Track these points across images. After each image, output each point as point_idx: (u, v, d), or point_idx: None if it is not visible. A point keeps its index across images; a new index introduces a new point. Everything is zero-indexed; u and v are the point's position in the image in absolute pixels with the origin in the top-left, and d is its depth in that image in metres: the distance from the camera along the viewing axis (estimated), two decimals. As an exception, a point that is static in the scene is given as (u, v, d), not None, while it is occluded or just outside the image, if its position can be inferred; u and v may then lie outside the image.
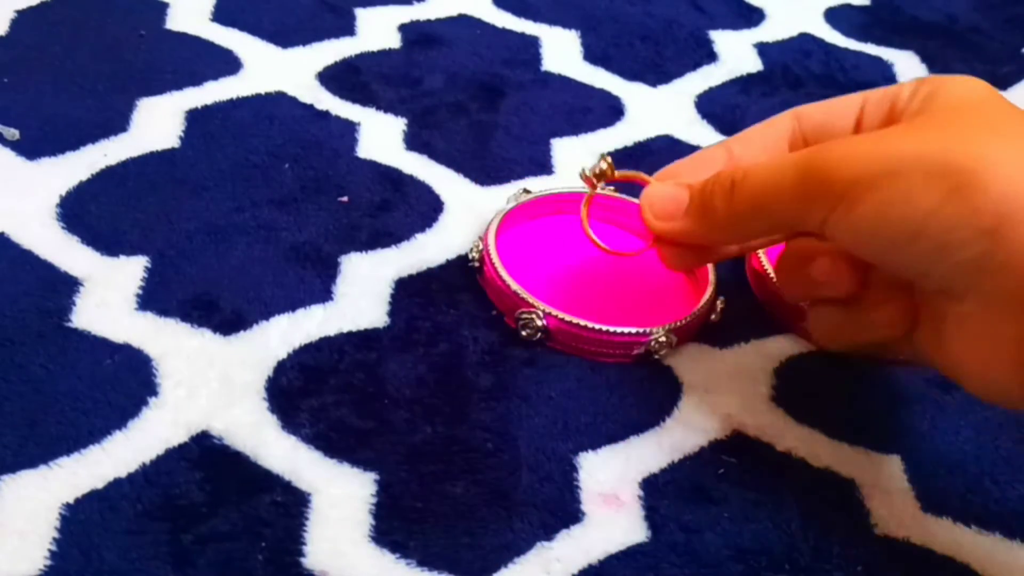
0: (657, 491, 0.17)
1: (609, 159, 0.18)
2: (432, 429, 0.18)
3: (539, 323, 0.19)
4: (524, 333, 0.19)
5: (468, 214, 0.23)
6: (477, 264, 0.21)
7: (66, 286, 0.20)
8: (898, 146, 0.14)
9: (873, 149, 0.14)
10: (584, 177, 0.18)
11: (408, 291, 0.21)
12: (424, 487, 0.17)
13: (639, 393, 0.19)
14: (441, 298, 0.21)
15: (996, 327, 0.14)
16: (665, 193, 0.17)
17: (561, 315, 0.19)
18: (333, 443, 0.17)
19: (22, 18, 0.27)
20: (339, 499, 0.17)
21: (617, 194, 0.22)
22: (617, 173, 0.18)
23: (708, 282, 0.20)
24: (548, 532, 0.17)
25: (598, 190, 0.19)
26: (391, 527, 0.16)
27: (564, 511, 0.17)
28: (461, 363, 0.19)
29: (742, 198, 0.16)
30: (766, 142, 0.18)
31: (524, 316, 0.19)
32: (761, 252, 0.21)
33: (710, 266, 0.21)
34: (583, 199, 0.19)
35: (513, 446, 0.18)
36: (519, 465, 0.18)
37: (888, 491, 0.18)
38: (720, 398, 0.19)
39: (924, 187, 0.14)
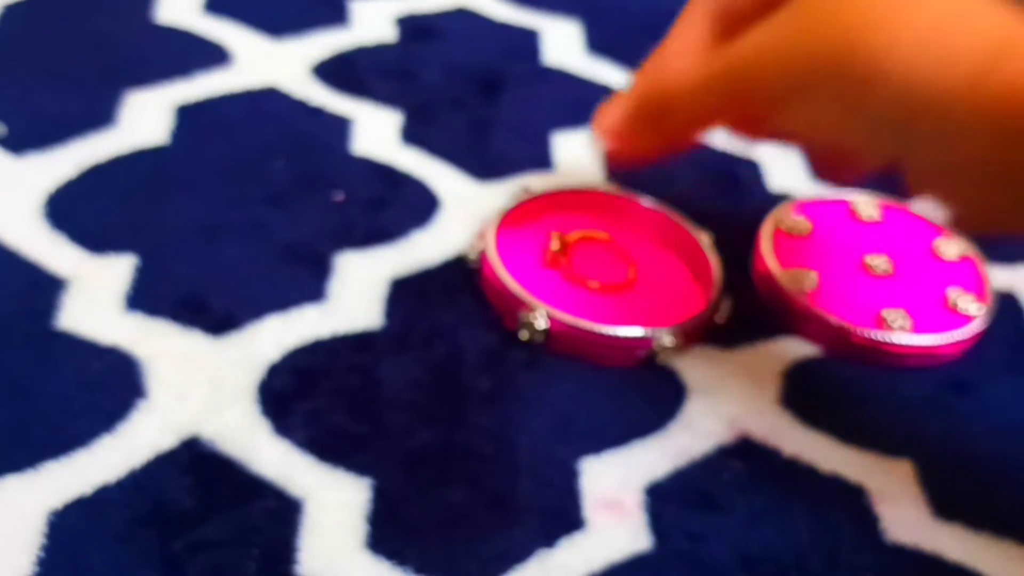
0: (661, 498, 0.17)
1: (557, 237, 0.19)
2: (429, 434, 0.18)
3: (540, 325, 0.19)
4: (524, 335, 0.19)
5: (466, 212, 0.22)
6: (475, 264, 0.20)
7: (52, 286, 0.19)
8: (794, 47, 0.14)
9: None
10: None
11: (404, 291, 0.20)
12: (421, 493, 0.17)
13: (642, 397, 0.19)
14: (438, 299, 0.20)
15: None
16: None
17: (562, 317, 0.19)
18: (327, 448, 0.17)
19: (9, 12, 0.26)
20: (333, 505, 0.16)
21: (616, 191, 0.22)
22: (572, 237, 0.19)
23: (713, 283, 0.20)
24: (549, 540, 0.16)
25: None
26: (387, 534, 0.16)
27: (565, 518, 0.17)
28: (459, 366, 0.19)
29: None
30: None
31: (524, 317, 0.19)
32: (767, 252, 0.21)
33: (715, 267, 0.20)
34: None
35: (512, 451, 0.17)
36: (519, 471, 0.17)
37: (898, 496, 0.18)
38: (726, 402, 0.19)
39: (827, 92, 0.14)
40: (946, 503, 0.18)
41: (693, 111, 0.17)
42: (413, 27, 0.28)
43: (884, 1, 0.14)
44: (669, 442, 0.18)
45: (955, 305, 0.20)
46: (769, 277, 0.20)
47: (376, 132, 0.24)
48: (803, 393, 0.19)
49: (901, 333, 0.19)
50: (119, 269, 0.20)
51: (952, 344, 0.20)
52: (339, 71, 0.26)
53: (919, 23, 0.14)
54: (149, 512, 0.16)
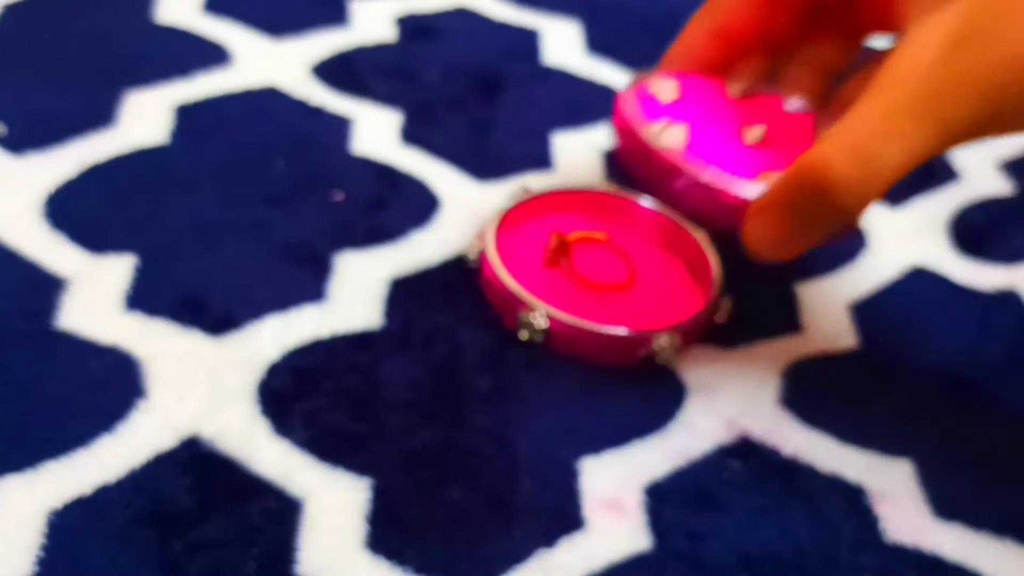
0: (661, 497, 0.17)
1: (557, 237, 0.18)
2: (429, 433, 0.18)
3: (539, 325, 0.19)
4: (523, 335, 0.19)
5: (466, 211, 0.22)
6: (475, 264, 0.20)
7: (52, 286, 0.19)
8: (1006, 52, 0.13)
9: (1011, 61, 0.13)
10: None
11: (404, 291, 0.20)
12: (421, 493, 0.17)
13: (642, 397, 0.19)
14: (438, 299, 0.20)
15: None
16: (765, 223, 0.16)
17: (562, 316, 0.19)
18: (327, 448, 0.17)
19: (9, 12, 0.26)
20: (333, 505, 0.16)
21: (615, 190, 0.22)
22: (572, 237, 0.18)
23: (713, 283, 0.20)
24: (549, 539, 0.16)
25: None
26: (387, 534, 0.16)
27: (565, 518, 0.17)
28: (459, 366, 0.19)
29: (880, 174, 0.14)
30: (737, 5, 0.17)
31: (523, 317, 0.19)
32: (631, 106, 0.18)
33: (714, 267, 0.20)
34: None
35: (512, 451, 0.17)
36: (519, 470, 0.17)
37: (898, 496, 0.18)
38: (725, 402, 0.19)
39: None
40: (946, 503, 0.18)
41: (876, 190, 0.15)
42: (413, 27, 0.28)
43: None
44: (669, 442, 0.18)
45: None
46: (632, 132, 0.18)
47: (376, 132, 0.24)
48: (804, 392, 0.19)
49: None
50: (119, 269, 0.20)
51: None
52: (339, 71, 0.26)
53: None
54: (149, 512, 0.16)
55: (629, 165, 0.18)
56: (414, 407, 0.18)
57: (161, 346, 0.18)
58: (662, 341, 0.19)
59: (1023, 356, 0.21)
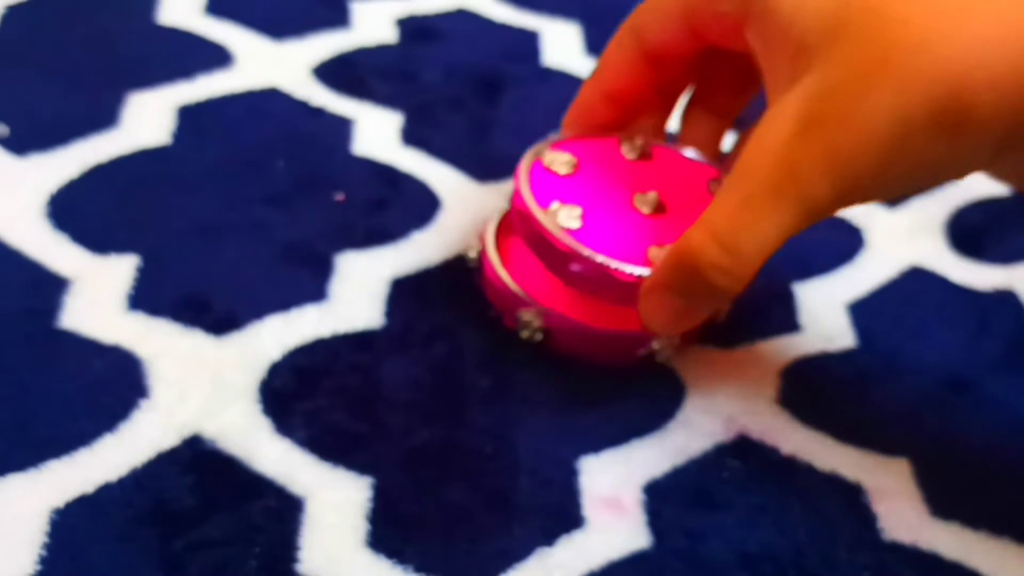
0: (660, 496, 0.17)
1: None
2: (429, 432, 0.18)
3: (538, 324, 0.19)
4: (523, 334, 0.19)
5: (467, 212, 0.22)
6: (475, 264, 0.20)
7: (54, 285, 0.19)
8: (877, 123, 0.14)
9: (856, 137, 0.14)
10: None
11: (405, 291, 0.20)
12: (421, 492, 0.17)
13: (641, 396, 0.19)
14: (439, 298, 0.20)
15: None
16: (659, 305, 0.17)
17: (562, 315, 0.19)
18: (328, 447, 0.17)
19: (11, 13, 0.26)
20: (334, 504, 0.16)
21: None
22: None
23: None
24: (548, 538, 0.16)
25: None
26: (387, 533, 0.16)
27: (565, 516, 0.17)
28: (459, 365, 0.19)
29: (747, 257, 0.15)
30: (625, 68, 0.18)
31: (523, 317, 0.19)
32: (525, 188, 0.18)
33: None
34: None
35: (512, 450, 0.18)
36: (519, 469, 0.17)
37: (896, 495, 0.18)
38: (724, 400, 0.19)
39: (927, 147, 0.14)
40: (943, 501, 0.18)
41: (747, 271, 0.15)
42: (413, 28, 0.28)
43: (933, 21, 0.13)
44: (668, 441, 0.18)
45: None
46: (528, 216, 0.18)
47: (377, 132, 0.24)
48: (802, 391, 0.19)
49: None
50: (121, 269, 0.20)
51: None
52: (340, 72, 0.26)
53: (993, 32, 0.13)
54: (150, 510, 0.16)
55: (528, 246, 0.18)
56: (414, 406, 0.18)
57: (163, 346, 0.18)
58: (661, 341, 0.19)
59: (1020, 355, 0.21)
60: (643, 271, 0.17)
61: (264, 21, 0.27)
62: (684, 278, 0.16)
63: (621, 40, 0.18)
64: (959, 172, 0.15)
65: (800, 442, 0.18)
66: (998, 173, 0.16)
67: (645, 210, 0.19)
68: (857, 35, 0.14)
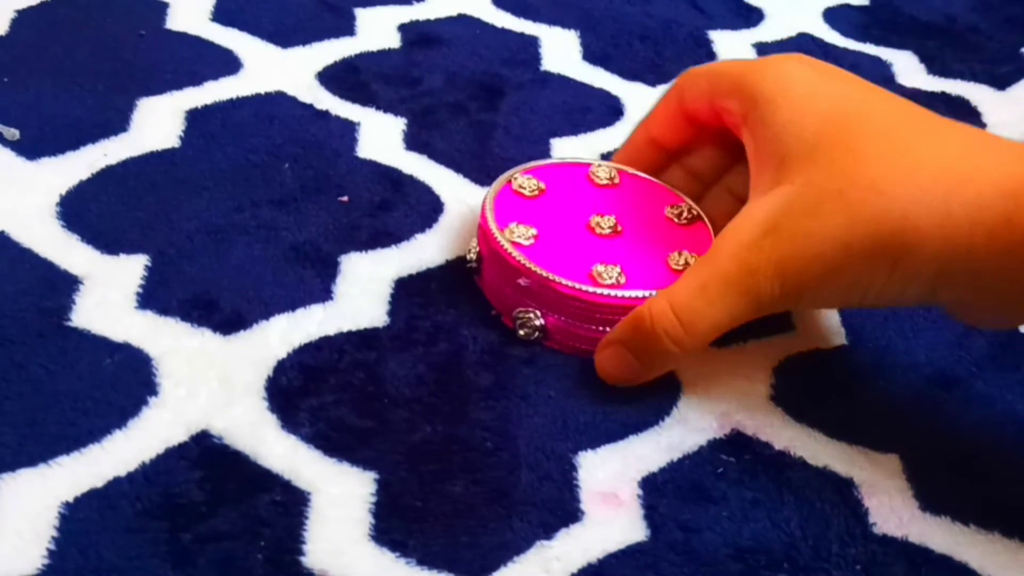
0: (656, 490, 0.17)
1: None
2: (432, 428, 0.18)
3: (537, 322, 0.19)
4: (522, 332, 0.19)
5: (468, 214, 0.23)
6: (474, 265, 0.21)
7: (66, 284, 0.20)
8: (825, 244, 0.16)
9: (805, 252, 0.16)
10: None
11: (408, 291, 0.21)
12: (424, 486, 0.17)
13: (638, 392, 0.19)
14: (441, 298, 0.21)
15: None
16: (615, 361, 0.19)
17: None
18: (333, 442, 0.17)
19: (22, 18, 0.27)
20: (339, 498, 0.17)
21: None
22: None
23: None
24: (547, 531, 0.17)
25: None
26: (391, 526, 0.16)
27: (563, 510, 0.17)
28: (461, 362, 0.19)
29: (698, 334, 0.17)
30: (668, 119, 0.21)
31: (522, 315, 0.19)
32: (489, 208, 0.20)
33: None
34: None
35: (512, 445, 0.18)
36: (518, 464, 0.18)
37: (887, 490, 0.18)
38: (719, 397, 0.19)
39: (868, 273, 0.16)
40: (933, 496, 0.18)
41: (696, 342, 0.18)
42: (416, 34, 0.29)
43: (886, 168, 0.16)
44: (664, 436, 0.18)
45: (683, 266, 0.19)
46: (487, 233, 0.20)
47: (380, 136, 0.25)
48: (795, 388, 0.20)
49: (605, 287, 0.18)
50: (131, 269, 0.20)
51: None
52: (344, 77, 0.26)
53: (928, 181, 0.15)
54: (159, 504, 0.16)
55: (487, 262, 0.20)
56: (417, 403, 0.18)
57: (172, 344, 0.19)
58: None
59: (1007, 353, 0.21)
60: (581, 286, 0.19)
61: (270, 28, 0.28)
62: (640, 338, 0.18)
63: (669, 94, 0.21)
64: (900, 298, 0.17)
65: (792, 438, 0.19)
66: (943, 307, 0.18)
67: (600, 231, 0.20)
68: (825, 163, 0.16)
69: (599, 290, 0.19)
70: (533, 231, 0.20)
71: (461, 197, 0.23)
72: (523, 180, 0.21)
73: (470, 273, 0.21)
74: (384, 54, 0.28)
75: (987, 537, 0.17)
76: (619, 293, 0.19)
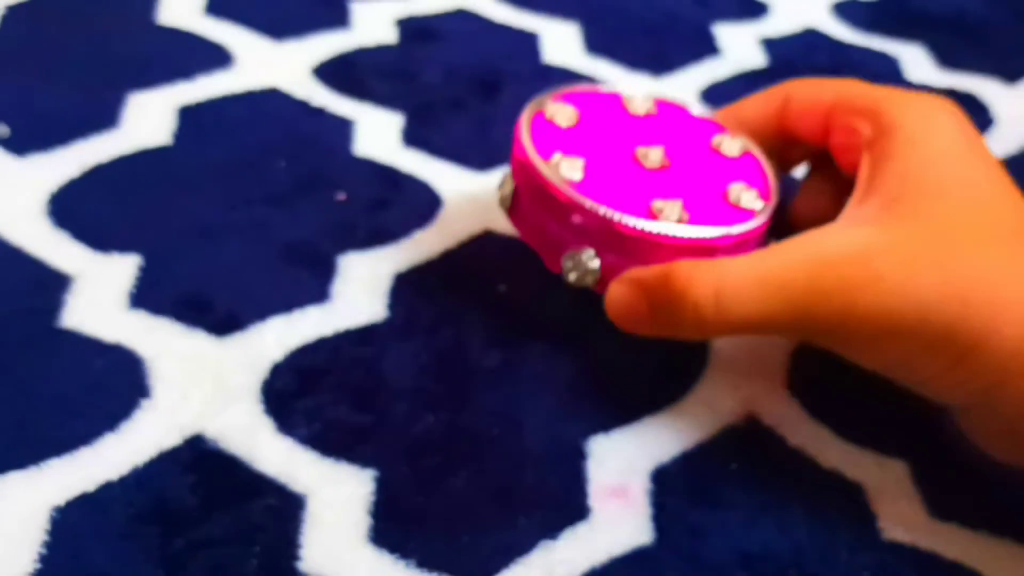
0: (666, 486, 0.17)
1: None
2: (434, 417, 0.18)
3: (592, 264, 0.17)
4: (572, 277, 0.17)
5: (468, 209, 0.22)
6: (507, 204, 0.18)
7: (56, 284, 0.19)
8: (896, 301, 0.15)
9: (874, 300, 0.15)
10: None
11: (407, 283, 0.20)
12: (424, 483, 0.17)
13: (659, 367, 0.18)
14: (443, 285, 0.20)
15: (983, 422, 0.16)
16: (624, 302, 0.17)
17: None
18: (330, 443, 0.17)
19: (11, 13, 0.26)
20: (336, 500, 0.16)
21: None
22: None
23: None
24: (552, 531, 0.16)
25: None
26: (389, 527, 0.16)
27: (569, 507, 0.17)
28: (465, 347, 0.19)
29: (725, 322, 0.16)
30: (762, 114, 0.20)
31: (575, 257, 0.17)
32: (526, 139, 0.18)
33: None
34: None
35: (519, 431, 0.17)
36: (524, 454, 0.17)
37: (895, 496, 0.18)
38: (739, 381, 0.19)
39: (926, 356, 0.15)
40: (942, 502, 0.18)
41: (719, 329, 0.16)
42: (413, 28, 0.28)
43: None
44: (680, 419, 0.18)
45: (738, 200, 0.18)
46: (530, 166, 0.17)
47: (377, 132, 0.24)
48: (810, 381, 0.19)
49: (671, 224, 0.17)
50: (122, 268, 0.20)
51: (727, 237, 0.17)
52: (340, 72, 0.26)
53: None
54: (151, 509, 0.16)
55: (527, 200, 0.18)
56: (419, 392, 0.18)
57: (164, 345, 0.18)
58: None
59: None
60: (646, 224, 0.17)
61: (264, 21, 0.27)
62: (665, 295, 0.16)
63: (771, 92, 0.20)
64: (941, 392, 0.16)
65: (807, 435, 0.18)
66: (969, 429, 0.17)
67: (648, 164, 0.18)
68: (937, 230, 0.16)
69: (669, 229, 0.16)
70: (580, 162, 0.17)
71: (461, 194, 0.23)
72: (555, 108, 0.19)
73: (474, 258, 0.20)
74: (381, 49, 0.27)
75: (998, 543, 0.17)
76: (690, 232, 0.17)
